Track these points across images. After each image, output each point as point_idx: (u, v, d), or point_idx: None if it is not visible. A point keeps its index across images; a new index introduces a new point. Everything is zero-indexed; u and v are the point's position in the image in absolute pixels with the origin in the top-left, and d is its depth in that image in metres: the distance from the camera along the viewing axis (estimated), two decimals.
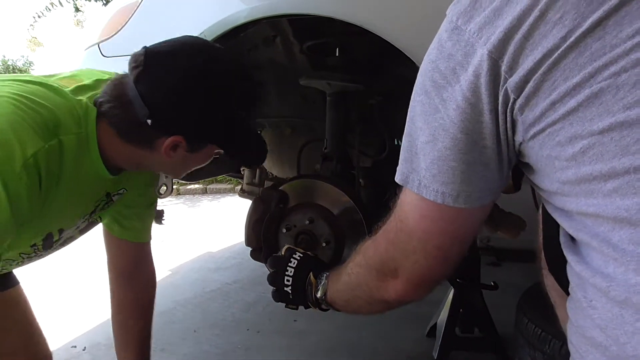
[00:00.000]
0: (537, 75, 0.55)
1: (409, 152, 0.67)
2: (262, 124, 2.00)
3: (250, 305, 2.31)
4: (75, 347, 1.96)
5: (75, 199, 1.05)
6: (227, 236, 3.60)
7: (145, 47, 0.97)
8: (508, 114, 0.59)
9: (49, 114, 0.92)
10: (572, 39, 0.52)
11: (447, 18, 0.63)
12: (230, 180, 5.92)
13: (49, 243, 1.11)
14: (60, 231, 1.11)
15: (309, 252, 1.16)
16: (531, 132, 0.58)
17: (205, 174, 2.41)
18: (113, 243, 1.35)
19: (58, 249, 1.25)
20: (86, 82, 1.06)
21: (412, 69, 1.37)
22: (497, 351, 1.72)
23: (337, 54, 1.56)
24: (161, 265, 3.00)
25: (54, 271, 2.58)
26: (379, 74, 1.66)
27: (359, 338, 1.92)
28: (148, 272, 1.42)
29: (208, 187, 6.49)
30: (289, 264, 1.08)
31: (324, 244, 1.42)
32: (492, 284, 1.72)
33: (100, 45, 1.70)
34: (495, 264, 2.67)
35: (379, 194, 1.81)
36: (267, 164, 2.05)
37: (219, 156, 1.13)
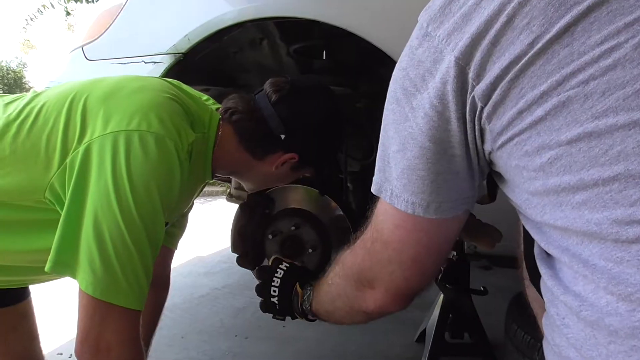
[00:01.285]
0: (503, 82, 0.53)
1: (382, 161, 0.66)
2: None
3: (239, 310, 2.29)
4: (61, 354, 1.93)
5: (187, 197, 1.12)
6: (217, 240, 3.58)
7: (288, 77, 1.10)
8: (476, 122, 0.57)
9: (189, 112, 0.99)
10: (539, 45, 0.50)
11: (418, 24, 0.61)
12: (222, 183, 5.89)
13: None
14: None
15: (295, 262, 1.15)
16: (499, 142, 0.56)
17: None
18: None
19: None
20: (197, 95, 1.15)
21: None
22: (486, 357, 1.71)
23: (324, 57, 1.54)
24: None
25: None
26: (366, 76, 1.64)
27: (348, 344, 1.89)
28: (168, 280, 1.46)
29: None
30: (275, 275, 1.08)
31: (310, 250, 1.40)
32: (482, 288, 1.70)
33: (84, 48, 1.67)
34: (486, 267, 2.66)
35: (367, 198, 1.79)
36: None
37: None
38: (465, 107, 0.56)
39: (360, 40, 1.27)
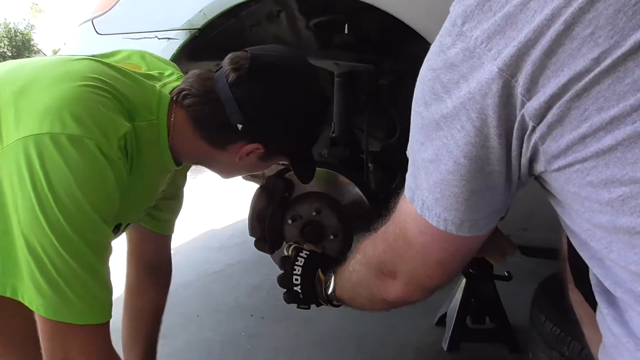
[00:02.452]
0: (561, 101, 0.46)
1: (413, 166, 0.62)
2: None
3: (254, 288, 2.27)
4: None
5: (147, 190, 1.03)
6: (230, 212, 3.55)
7: (249, 51, 0.95)
8: (526, 141, 0.51)
9: (123, 99, 0.89)
10: (607, 61, 0.44)
11: (451, 18, 0.54)
12: None
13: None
14: (127, 225, 1.06)
15: (315, 249, 1.11)
16: (555, 165, 0.50)
17: None
18: (140, 234, 1.30)
19: None
20: (153, 73, 1.03)
21: (424, 46, 1.28)
22: (509, 343, 1.67)
23: (345, 32, 1.46)
24: None
25: None
26: (389, 52, 1.56)
27: (367, 326, 1.87)
28: (168, 266, 1.39)
29: None
30: (296, 263, 1.05)
31: (331, 237, 1.35)
32: (506, 274, 1.65)
33: (94, 21, 1.60)
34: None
35: (388, 179, 1.73)
36: None
37: None
38: (512, 123, 0.50)
39: (385, 15, 1.19)
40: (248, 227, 1.46)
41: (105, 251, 0.84)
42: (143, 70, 1.03)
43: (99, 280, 0.81)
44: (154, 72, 1.03)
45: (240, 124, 0.93)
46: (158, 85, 0.99)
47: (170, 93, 0.97)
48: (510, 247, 0.95)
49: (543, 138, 0.49)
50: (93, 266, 0.80)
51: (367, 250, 0.81)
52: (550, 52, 0.46)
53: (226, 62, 0.95)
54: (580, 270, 0.84)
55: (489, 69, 0.49)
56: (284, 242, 1.44)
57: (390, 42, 1.53)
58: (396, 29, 1.32)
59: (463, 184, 0.55)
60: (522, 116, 0.49)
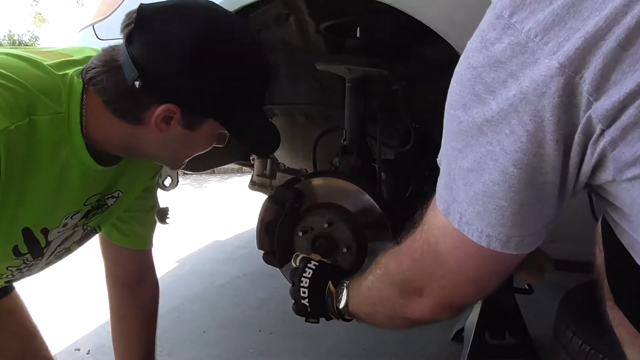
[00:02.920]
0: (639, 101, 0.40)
1: (447, 176, 0.56)
2: (273, 111, 1.85)
3: (261, 302, 2.20)
4: (78, 350, 1.85)
5: (55, 193, 0.91)
6: (235, 222, 3.48)
7: (140, 4, 0.85)
8: (591, 147, 0.45)
9: (22, 90, 0.80)
10: None
11: (494, 9, 0.48)
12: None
13: (36, 249, 0.97)
14: (45, 232, 0.96)
15: (324, 260, 1.04)
16: (629, 174, 0.44)
17: (210, 162, 2.27)
18: (112, 251, 1.22)
19: (53, 262, 1.11)
20: (75, 57, 0.93)
21: (441, 49, 1.22)
22: None
23: (357, 35, 1.40)
24: (168, 256, 2.89)
25: (56, 271, 2.45)
26: (403, 56, 1.50)
27: (378, 341, 1.79)
28: (150, 283, 1.29)
29: (215, 168, 6.38)
30: (304, 275, 0.99)
31: (344, 250, 1.28)
32: (526, 286, 1.57)
33: (95, 26, 1.55)
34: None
35: (402, 188, 1.67)
36: (279, 154, 1.91)
37: (223, 142, 0.98)
38: (574, 126, 0.44)
39: (398, 17, 1.12)
40: (256, 240, 1.39)
41: None
42: (73, 57, 0.93)
43: None
44: (81, 57, 0.93)
45: (137, 80, 0.82)
46: (71, 71, 0.88)
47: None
48: (548, 263, 0.89)
49: (614, 143, 0.43)
50: None
51: (390, 267, 0.75)
52: (626, 43, 0.39)
53: (121, 22, 0.85)
54: (624, 287, 0.77)
55: (547, 65, 0.43)
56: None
57: (405, 45, 1.47)
58: (411, 32, 1.26)
59: (511, 196, 0.49)
60: (588, 118, 0.43)
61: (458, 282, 0.61)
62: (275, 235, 1.34)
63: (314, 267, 1.00)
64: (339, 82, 1.53)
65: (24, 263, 1.00)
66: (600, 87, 0.42)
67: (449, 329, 1.81)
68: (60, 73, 0.87)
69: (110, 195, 1.06)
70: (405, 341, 1.78)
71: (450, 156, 0.54)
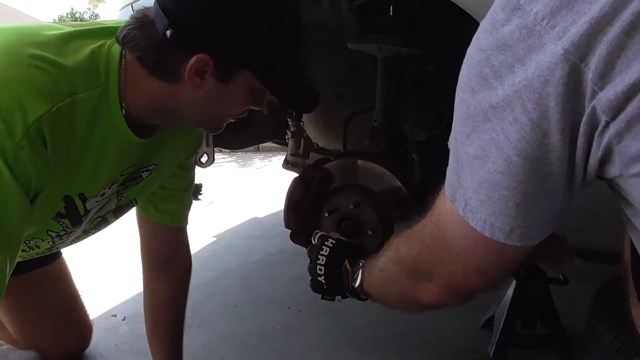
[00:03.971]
0: None
1: (455, 161, 0.55)
2: None
3: (293, 279, 2.22)
4: (115, 316, 1.93)
5: (95, 165, 0.94)
6: (274, 200, 3.52)
7: None
8: (597, 139, 0.43)
9: (60, 70, 0.81)
10: None
11: None
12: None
13: (75, 216, 1.01)
14: (83, 198, 0.99)
15: (342, 238, 1.04)
16: (635, 169, 0.42)
17: (248, 140, 2.29)
18: (147, 227, 1.26)
19: (91, 232, 1.16)
20: (111, 24, 0.93)
21: (475, 27, 1.17)
22: (562, 352, 1.54)
23: (390, 14, 1.36)
24: (206, 231, 2.95)
25: (96, 240, 2.54)
26: (437, 35, 1.45)
27: (407, 326, 1.78)
28: (184, 261, 1.33)
29: (261, 145, 6.43)
30: (321, 252, 1.00)
31: (369, 232, 1.28)
32: (561, 277, 1.52)
33: (133, 5, 1.57)
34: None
35: (434, 171, 1.63)
36: (312, 134, 1.90)
37: (260, 104, 0.96)
38: (579, 116, 0.42)
39: None
40: (283, 219, 1.40)
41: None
42: (108, 25, 0.93)
43: None
44: (113, 24, 0.93)
45: (167, 29, 0.80)
46: (109, 41, 0.88)
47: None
48: (566, 252, 0.85)
49: (620, 136, 0.40)
50: None
51: (401, 250, 0.75)
52: (632, 29, 0.37)
53: None
54: None
55: (552, 50, 0.40)
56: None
57: (438, 24, 1.42)
58: (445, 10, 1.21)
59: (515, 186, 0.47)
60: (593, 109, 0.40)
61: (465, 269, 0.60)
62: (302, 215, 1.34)
63: (331, 245, 1.00)
64: (371, 62, 1.51)
65: (64, 230, 1.04)
66: (604, 76, 0.39)
67: (480, 317, 1.78)
68: (96, 44, 0.87)
69: (145, 168, 1.09)
70: (434, 327, 1.76)
71: (458, 141, 0.53)
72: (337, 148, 1.88)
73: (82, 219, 1.04)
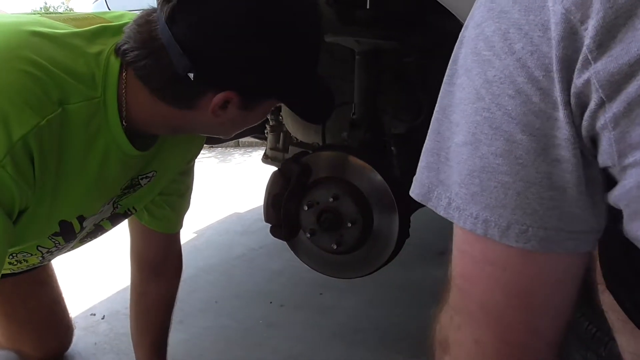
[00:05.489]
0: None
1: (435, 155, 0.46)
2: None
3: (275, 274, 2.22)
4: (94, 315, 1.90)
5: (94, 184, 0.87)
6: (255, 195, 3.50)
7: None
8: (586, 119, 0.37)
9: (51, 78, 0.74)
10: None
11: None
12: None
13: (69, 234, 0.97)
14: (81, 219, 0.95)
15: None
16: (630, 160, 0.35)
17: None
18: (140, 232, 1.22)
19: (86, 241, 1.12)
20: (114, 23, 0.85)
21: (455, 20, 1.18)
22: None
23: (367, 6, 1.36)
24: (186, 227, 2.90)
25: None
26: (416, 27, 1.46)
27: (389, 316, 1.79)
28: (175, 265, 1.31)
29: (240, 140, 6.37)
30: None
31: (349, 224, 1.28)
32: None
33: None
34: None
35: (413, 163, 1.64)
36: (291, 128, 1.90)
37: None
38: (570, 89, 0.36)
39: None
40: (263, 213, 1.40)
41: None
42: (112, 24, 0.86)
43: None
44: (118, 24, 0.85)
45: (190, 71, 0.74)
46: (108, 48, 0.80)
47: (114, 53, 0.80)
48: None
49: (616, 120, 0.34)
50: None
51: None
52: None
53: None
54: (616, 271, 0.75)
55: (552, 9, 0.36)
56: (301, 230, 1.37)
57: (417, 17, 1.42)
58: (424, 3, 1.22)
59: (517, 169, 0.39)
60: (586, 83, 0.35)
61: (471, 314, 0.46)
62: (282, 209, 1.34)
63: None
64: (351, 55, 1.50)
65: (55, 246, 1.01)
66: (603, 44, 0.33)
67: None
68: (94, 51, 0.80)
69: (144, 176, 1.03)
70: (417, 317, 1.77)
71: (444, 133, 0.46)
72: (316, 142, 1.88)
73: (77, 236, 1.00)
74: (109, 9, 1.54)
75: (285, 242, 1.42)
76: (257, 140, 6.36)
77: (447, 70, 0.47)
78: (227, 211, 3.33)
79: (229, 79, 0.78)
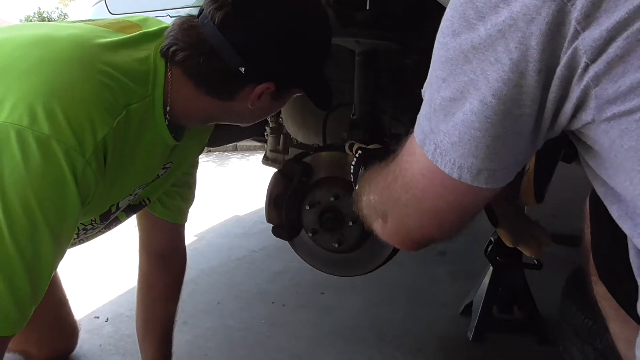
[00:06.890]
0: (629, 31, 0.38)
1: (429, 106, 0.54)
2: None
3: (276, 275, 2.24)
4: (98, 317, 1.92)
5: (140, 171, 0.98)
6: (254, 198, 3.52)
7: None
8: (575, 84, 0.43)
9: (116, 83, 0.83)
10: None
11: None
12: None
13: (107, 214, 1.05)
14: (118, 203, 1.03)
15: (367, 147, 1.14)
16: (609, 112, 0.42)
17: (228, 138, 2.29)
18: (151, 224, 1.27)
19: (102, 232, 1.16)
20: (151, 29, 0.95)
21: None
22: (537, 335, 1.60)
23: (367, 8, 1.39)
24: (187, 230, 2.92)
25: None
26: (415, 29, 1.48)
27: (389, 315, 1.82)
28: (182, 259, 1.36)
29: (238, 144, 6.40)
30: (352, 163, 1.09)
31: (351, 223, 1.30)
32: (536, 262, 1.57)
33: (106, 1, 1.57)
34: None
35: None
36: (291, 130, 1.92)
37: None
38: (557, 59, 0.42)
39: None
40: (265, 214, 1.42)
41: (42, 263, 0.78)
42: (149, 30, 0.95)
43: (16, 295, 0.75)
44: (155, 29, 0.95)
45: (242, 66, 0.88)
46: (153, 50, 0.91)
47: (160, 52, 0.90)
48: (545, 237, 0.89)
49: (598, 78, 0.41)
50: (14, 282, 0.74)
51: (371, 185, 0.73)
52: None
53: (207, 3, 0.88)
54: (608, 263, 0.77)
55: None
56: (302, 229, 1.39)
57: (416, 18, 1.45)
58: (422, 3, 1.24)
59: (487, 127, 0.47)
60: (574, 51, 0.40)
61: (420, 211, 0.59)
62: (283, 209, 1.36)
63: (357, 155, 1.09)
64: (351, 56, 1.53)
65: (91, 224, 1.06)
66: (589, 16, 0.39)
67: (459, 304, 1.82)
68: (143, 55, 0.89)
69: (163, 166, 1.10)
70: (415, 315, 1.80)
71: (434, 86, 0.53)
72: (317, 143, 1.91)
73: (111, 216, 1.06)
74: (109, 11, 1.56)
75: (285, 243, 1.44)
76: (255, 144, 6.39)
77: (439, 31, 0.53)
78: (227, 214, 3.35)
79: (270, 73, 0.91)
